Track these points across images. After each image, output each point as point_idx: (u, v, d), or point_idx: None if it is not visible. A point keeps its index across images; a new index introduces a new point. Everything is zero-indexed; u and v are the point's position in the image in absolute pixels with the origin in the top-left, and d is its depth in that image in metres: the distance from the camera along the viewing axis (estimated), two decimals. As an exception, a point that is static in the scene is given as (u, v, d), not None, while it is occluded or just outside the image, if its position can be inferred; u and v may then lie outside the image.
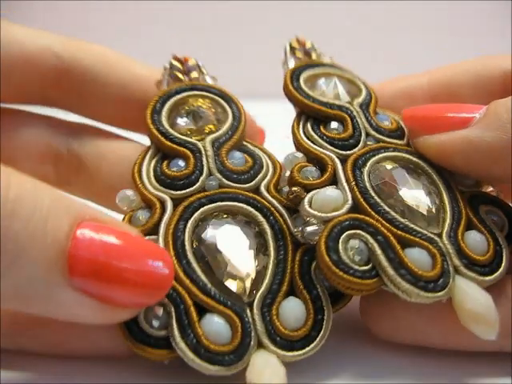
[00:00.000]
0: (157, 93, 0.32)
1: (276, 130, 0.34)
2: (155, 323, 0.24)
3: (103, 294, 0.22)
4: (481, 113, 0.28)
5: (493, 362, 0.26)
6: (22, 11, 0.68)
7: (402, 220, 0.27)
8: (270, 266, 0.26)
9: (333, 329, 0.26)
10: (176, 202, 0.28)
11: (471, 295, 0.25)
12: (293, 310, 0.25)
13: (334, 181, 0.28)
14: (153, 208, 0.28)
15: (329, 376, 0.26)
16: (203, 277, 0.25)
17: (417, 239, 0.26)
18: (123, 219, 0.28)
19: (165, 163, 0.29)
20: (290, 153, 0.30)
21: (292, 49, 0.34)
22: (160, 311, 0.25)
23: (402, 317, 0.27)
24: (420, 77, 0.34)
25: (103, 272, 0.22)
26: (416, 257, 0.26)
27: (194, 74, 0.33)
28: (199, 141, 0.30)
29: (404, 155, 0.29)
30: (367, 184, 0.28)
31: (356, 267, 0.25)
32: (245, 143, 0.31)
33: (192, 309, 0.25)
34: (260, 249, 0.27)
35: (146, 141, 0.31)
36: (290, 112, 0.32)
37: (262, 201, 0.28)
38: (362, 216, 0.27)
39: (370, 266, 0.25)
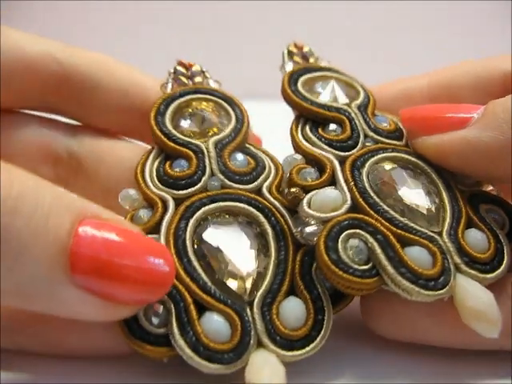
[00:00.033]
0: (161, 95, 0.32)
1: (276, 130, 0.34)
2: (155, 320, 0.25)
3: (105, 291, 0.22)
4: (479, 113, 0.28)
5: (493, 361, 0.26)
6: (22, 11, 0.68)
7: (402, 219, 0.27)
8: (271, 267, 0.26)
9: (333, 329, 0.26)
10: (178, 201, 0.28)
11: (472, 293, 0.25)
12: (293, 310, 0.26)
13: (332, 182, 0.28)
14: (154, 207, 0.28)
15: (329, 376, 0.26)
16: (203, 275, 0.26)
17: (416, 238, 0.26)
18: (125, 217, 0.28)
19: (168, 163, 0.29)
20: (289, 155, 0.30)
21: (290, 53, 0.34)
22: (160, 308, 0.25)
23: (402, 314, 0.27)
24: (420, 79, 0.34)
25: (105, 269, 0.22)
26: (416, 255, 0.26)
27: (198, 79, 0.33)
28: (202, 143, 0.30)
29: (403, 155, 0.29)
30: (366, 184, 0.28)
31: (356, 266, 0.25)
32: (247, 145, 0.31)
33: (192, 307, 0.25)
34: (261, 249, 0.27)
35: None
36: (289, 112, 0.32)
37: (264, 202, 0.28)
38: (361, 215, 0.27)
39: (370, 265, 0.25)
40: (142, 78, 0.33)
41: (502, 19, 0.69)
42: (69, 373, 0.26)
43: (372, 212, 0.27)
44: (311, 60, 0.34)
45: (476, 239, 0.27)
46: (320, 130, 0.31)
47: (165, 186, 0.28)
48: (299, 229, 0.27)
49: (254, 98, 0.41)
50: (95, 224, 0.23)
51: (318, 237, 0.26)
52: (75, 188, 0.33)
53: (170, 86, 0.33)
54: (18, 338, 0.26)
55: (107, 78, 0.33)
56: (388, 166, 0.29)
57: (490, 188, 0.30)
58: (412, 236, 0.26)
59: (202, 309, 0.25)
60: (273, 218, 0.28)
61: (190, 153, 0.29)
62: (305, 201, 0.27)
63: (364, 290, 0.25)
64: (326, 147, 0.30)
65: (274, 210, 0.28)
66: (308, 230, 0.27)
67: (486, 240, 0.27)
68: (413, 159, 0.29)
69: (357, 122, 0.31)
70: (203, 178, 0.28)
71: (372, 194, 0.27)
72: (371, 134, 0.30)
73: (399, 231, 0.26)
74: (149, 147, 0.31)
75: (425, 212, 0.27)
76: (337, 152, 0.29)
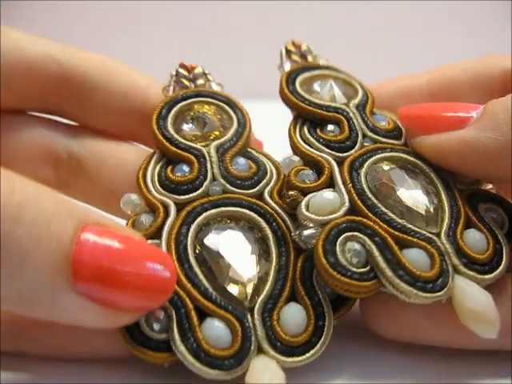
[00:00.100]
0: (163, 99, 0.32)
1: (275, 130, 0.34)
2: (156, 326, 0.25)
3: (106, 298, 0.22)
4: (478, 112, 0.28)
5: (493, 361, 0.26)
6: (22, 11, 0.68)
7: (400, 221, 0.27)
8: (272, 272, 0.26)
9: (333, 329, 0.26)
10: (179, 206, 0.28)
11: (471, 294, 0.25)
12: (294, 316, 0.26)
13: (331, 183, 0.28)
14: (156, 212, 0.28)
15: (329, 376, 0.26)
16: (205, 281, 0.26)
17: (415, 239, 0.26)
18: (127, 223, 0.28)
19: (169, 168, 0.29)
20: (287, 156, 0.30)
21: (288, 52, 0.34)
22: (161, 314, 0.25)
23: (401, 316, 0.27)
24: (419, 76, 0.34)
25: (106, 276, 0.22)
26: (414, 257, 0.26)
27: (200, 82, 0.33)
28: (204, 147, 0.30)
29: (401, 155, 0.29)
30: (364, 185, 0.28)
31: (354, 269, 0.25)
32: (249, 149, 0.31)
33: (193, 313, 0.25)
34: (262, 255, 0.27)
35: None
36: (288, 112, 0.32)
37: (265, 207, 0.28)
38: (359, 218, 0.27)
39: (368, 267, 0.25)
40: (142, 79, 0.33)
41: (501, 19, 0.69)
42: (69, 373, 0.26)
43: (370, 214, 0.27)
44: (309, 58, 0.34)
45: (475, 240, 0.27)
46: (318, 131, 0.30)
47: (166, 190, 0.28)
48: (297, 232, 0.27)
49: (253, 98, 0.41)
50: (97, 231, 0.23)
51: (316, 240, 0.26)
52: (75, 189, 0.33)
53: (171, 88, 0.33)
54: (18, 343, 0.26)
55: (106, 80, 0.33)
56: (386, 167, 0.29)
57: (490, 186, 0.30)
58: (410, 238, 0.26)
59: (203, 315, 0.25)
60: (274, 224, 0.28)
61: (192, 157, 0.29)
62: (303, 203, 0.27)
63: (362, 292, 0.25)
64: (324, 148, 0.30)
65: (275, 215, 0.28)
66: (306, 232, 0.27)
67: (484, 240, 0.27)
68: (411, 159, 0.29)
69: (355, 121, 0.31)
70: (205, 183, 0.28)
71: (370, 196, 0.27)
72: (369, 133, 0.30)
73: (397, 233, 0.26)
74: (150, 150, 0.31)
75: (423, 213, 0.27)
76: (335, 153, 0.29)
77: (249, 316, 0.25)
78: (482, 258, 0.26)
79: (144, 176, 0.29)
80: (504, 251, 0.27)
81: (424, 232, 0.27)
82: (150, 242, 0.27)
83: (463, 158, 0.27)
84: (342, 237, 0.26)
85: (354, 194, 0.27)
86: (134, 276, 0.23)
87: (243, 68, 0.68)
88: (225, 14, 0.72)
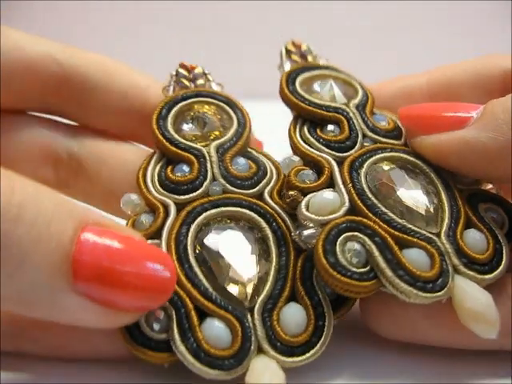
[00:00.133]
0: (163, 99, 0.32)
1: (275, 130, 0.34)
2: (156, 326, 0.25)
3: (106, 298, 0.22)
4: (478, 112, 0.28)
5: (493, 361, 0.26)
6: (22, 11, 0.68)
7: (400, 221, 0.27)
8: (272, 272, 0.26)
9: (333, 329, 0.26)
10: (179, 206, 0.28)
11: (470, 294, 0.25)
12: (294, 316, 0.26)
13: (330, 183, 0.28)
14: (156, 212, 0.28)
15: (329, 376, 0.26)
16: (205, 281, 0.26)
17: (415, 239, 0.26)
18: (127, 223, 0.28)
19: (169, 168, 0.29)
20: (287, 156, 0.30)
21: (288, 52, 0.34)
22: (161, 314, 0.25)
23: (401, 316, 0.27)
24: (419, 76, 0.34)
25: (106, 276, 0.22)
26: (414, 257, 0.26)
27: (200, 82, 0.33)
28: (204, 147, 0.30)
29: (401, 155, 0.29)
30: (364, 185, 0.28)
31: (354, 269, 0.25)
32: (249, 149, 0.31)
33: (193, 313, 0.25)
34: (262, 255, 0.27)
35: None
36: (288, 112, 0.32)
37: (265, 207, 0.28)
38: (359, 218, 0.27)
39: (368, 267, 0.25)
40: (142, 79, 0.33)
41: (501, 19, 0.69)
42: (69, 373, 0.26)
43: (370, 214, 0.27)
44: (309, 58, 0.34)
45: (475, 240, 0.27)
46: (318, 131, 0.30)
47: (166, 190, 0.28)
48: (297, 232, 0.27)
49: (253, 98, 0.41)
50: (97, 231, 0.23)
51: (316, 240, 0.26)
52: (75, 189, 0.33)
53: (171, 88, 0.33)
54: (18, 343, 0.26)
55: (106, 80, 0.33)
56: (386, 167, 0.29)
57: (490, 186, 0.30)
58: (410, 238, 0.26)
59: (203, 315, 0.25)
60: (274, 224, 0.28)
61: (192, 157, 0.29)
62: (303, 203, 0.27)
63: (362, 292, 0.25)
64: (324, 148, 0.30)
65: (275, 215, 0.28)
66: (306, 232, 0.27)
67: (484, 240, 0.27)
68: (411, 159, 0.29)
69: (355, 121, 0.31)
70: (205, 183, 0.28)
71: (370, 196, 0.27)
72: (369, 133, 0.30)
73: (397, 233, 0.26)
74: (150, 150, 0.31)
75: (423, 213, 0.27)
76: (335, 153, 0.29)
77: (249, 316, 0.25)
78: (482, 258, 0.26)
79: (144, 176, 0.29)
80: (504, 251, 0.27)
81: (424, 232, 0.27)
82: (150, 242, 0.27)
83: (463, 158, 0.27)
84: (342, 237, 0.26)
85: (354, 194, 0.27)
86: (134, 276, 0.23)
87: (243, 68, 0.69)
88: (225, 13, 0.72)
